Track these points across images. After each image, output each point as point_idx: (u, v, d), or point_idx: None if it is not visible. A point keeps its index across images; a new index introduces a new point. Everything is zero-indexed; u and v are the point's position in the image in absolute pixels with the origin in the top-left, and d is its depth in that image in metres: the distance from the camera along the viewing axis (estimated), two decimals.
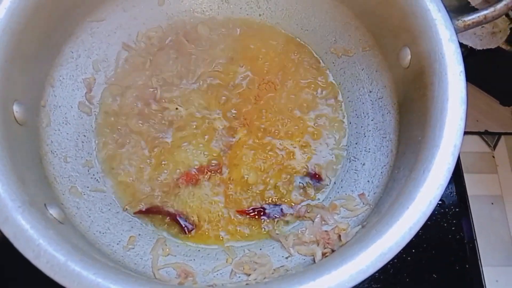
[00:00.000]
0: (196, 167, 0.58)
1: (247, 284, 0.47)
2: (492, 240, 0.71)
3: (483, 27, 0.68)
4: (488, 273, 0.65)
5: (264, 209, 0.56)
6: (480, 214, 0.73)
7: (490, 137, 0.80)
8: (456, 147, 0.44)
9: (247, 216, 0.56)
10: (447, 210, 0.63)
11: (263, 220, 0.56)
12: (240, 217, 0.56)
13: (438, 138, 0.45)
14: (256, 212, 0.56)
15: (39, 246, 0.39)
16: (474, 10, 0.66)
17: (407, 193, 0.44)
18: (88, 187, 0.55)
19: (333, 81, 0.63)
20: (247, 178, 0.57)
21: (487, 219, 0.73)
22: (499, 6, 0.50)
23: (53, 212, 0.46)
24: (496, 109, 0.81)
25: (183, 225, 0.55)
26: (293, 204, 0.57)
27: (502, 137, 0.80)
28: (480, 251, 0.63)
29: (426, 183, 0.43)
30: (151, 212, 0.56)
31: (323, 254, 0.50)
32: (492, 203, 0.75)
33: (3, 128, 0.45)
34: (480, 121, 0.81)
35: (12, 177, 0.43)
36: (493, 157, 0.79)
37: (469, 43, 0.69)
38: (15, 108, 0.49)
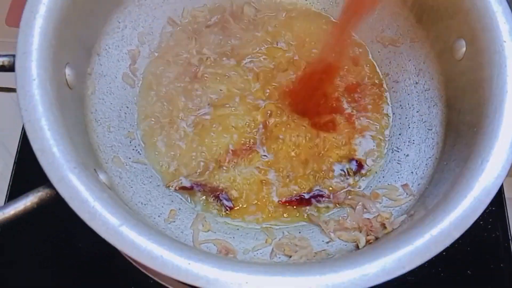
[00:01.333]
0: (236, 146, 0.57)
1: (293, 262, 0.47)
2: None
3: None
4: None
5: (304, 196, 0.56)
6: (510, 215, 0.72)
7: None
8: None
9: (290, 204, 0.55)
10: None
11: (304, 204, 0.55)
12: (282, 203, 0.55)
13: (497, 130, 0.44)
14: (297, 201, 0.55)
15: (94, 208, 0.39)
16: None
17: (464, 183, 0.43)
18: (130, 158, 0.55)
19: (378, 71, 0.63)
20: (288, 162, 0.57)
21: None
22: None
23: (102, 177, 0.46)
24: None
25: (223, 203, 0.54)
26: (333, 191, 0.56)
27: None
28: None
29: (484, 173, 0.42)
30: (191, 189, 0.55)
31: (367, 241, 0.49)
32: None
33: (57, 90, 0.44)
34: None
35: (66, 138, 0.42)
36: None
37: None
38: (67, 71, 0.48)
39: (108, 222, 0.39)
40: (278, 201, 0.55)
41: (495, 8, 0.49)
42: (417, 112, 0.59)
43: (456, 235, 0.40)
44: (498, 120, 0.45)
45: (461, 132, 0.51)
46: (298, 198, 0.55)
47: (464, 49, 0.52)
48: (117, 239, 0.38)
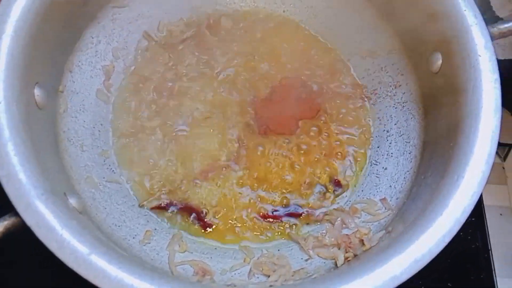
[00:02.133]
0: (212, 164, 0.56)
1: (270, 286, 0.46)
2: (501, 251, 0.71)
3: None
4: (499, 284, 0.65)
5: (283, 212, 0.55)
6: (490, 224, 0.72)
7: (501, 148, 0.80)
8: (490, 156, 0.44)
9: (267, 220, 0.54)
10: None
11: (282, 221, 0.54)
12: (259, 220, 0.54)
13: (472, 145, 0.44)
14: (275, 217, 0.55)
15: (62, 237, 0.38)
16: (499, 19, 0.67)
17: (439, 200, 0.43)
18: (104, 178, 0.53)
19: (357, 83, 0.62)
20: (265, 179, 0.56)
21: (497, 229, 0.73)
22: None
23: (73, 201, 0.44)
24: (508, 121, 0.81)
25: (200, 222, 0.53)
26: (311, 208, 0.56)
27: None
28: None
29: (459, 189, 0.42)
30: (167, 208, 0.54)
31: (345, 259, 0.49)
32: (501, 214, 0.75)
33: (25, 112, 0.43)
34: None
35: (34, 163, 0.41)
36: (503, 168, 0.79)
37: None
38: (36, 91, 0.47)
39: (76, 250, 0.38)
40: (255, 217, 0.54)
41: (470, 21, 0.49)
42: (395, 124, 0.58)
43: (432, 255, 0.40)
44: (474, 135, 0.44)
45: (438, 146, 0.50)
46: (275, 214, 0.54)
47: (440, 62, 0.52)
48: (86, 268, 0.37)
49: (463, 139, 0.45)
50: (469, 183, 0.42)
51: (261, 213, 0.55)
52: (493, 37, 0.49)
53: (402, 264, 0.39)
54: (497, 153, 0.79)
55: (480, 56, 0.47)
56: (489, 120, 0.45)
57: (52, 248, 0.37)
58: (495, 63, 0.47)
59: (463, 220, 0.41)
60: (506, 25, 0.49)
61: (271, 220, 0.54)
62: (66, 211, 0.40)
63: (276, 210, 0.55)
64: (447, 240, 0.41)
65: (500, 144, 0.78)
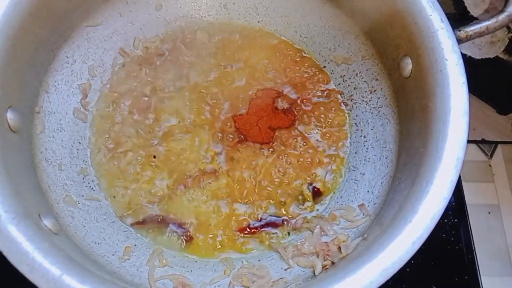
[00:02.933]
0: (191, 176, 0.57)
1: None
2: (489, 249, 0.71)
3: None
4: (486, 283, 0.65)
5: (262, 223, 0.55)
6: (477, 223, 0.72)
7: (487, 146, 0.80)
8: (459, 160, 0.44)
9: (246, 234, 0.54)
10: (445, 220, 0.62)
11: (261, 232, 0.55)
12: (239, 234, 0.54)
13: (441, 151, 0.44)
14: (255, 228, 0.55)
15: (34, 260, 0.38)
16: (473, 19, 0.67)
17: (409, 206, 0.43)
18: (83, 196, 0.54)
19: (334, 89, 0.63)
20: (244, 189, 0.56)
21: (484, 228, 0.73)
22: (501, 17, 0.50)
23: (47, 222, 0.45)
24: (493, 118, 0.81)
25: (180, 235, 0.54)
26: (291, 217, 0.56)
27: (499, 146, 0.80)
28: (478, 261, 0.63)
29: (428, 196, 0.42)
30: (147, 223, 0.55)
31: (323, 267, 0.49)
32: (489, 212, 0.75)
33: None
34: (477, 130, 0.80)
35: (6, 187, 0.42)
36: (490, 166, 0.79)
37: (468, 53, 0.69)
38: (9, 115, 0.47)
39: (48, 273, 0.38)
40: (236, 230, 0.54)
41: (436, 26, 0.49)
42: (372, 129, 0.59)
43: (402, 262, 0.40)
44: (442, 140, 0.45)
45: (411, 152, 0.51)
46: (255, 225, 0.55)
47: (410, 66, 0.52)
48: None
49: (432, 144, 0.45)
50: (438, 189, 0.43)
51: (241, 226, 0.55)
52: (460, 41, 0.49)
53: (372, 273, 0.40)
54: (483, 151, 0.79)
55: (447, 60, 0.47)
56: (457, 124, 0.45)
57: (23, 271, 0.38)
58: (462, 66, 0.47)
59: (432, 226, 0.41)
60: (472, 28, 0.50)
61: (250, 233, 0.54)
62: (38, 234, 0.41)
63: (257, 221, 0.55)
64: (417, 247, 0.41)
65: (486, 142, 0.79)
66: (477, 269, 0.61)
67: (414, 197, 0.43)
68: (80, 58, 0.59)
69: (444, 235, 0.61)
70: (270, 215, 0.56)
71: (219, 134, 0.59)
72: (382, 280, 0.39)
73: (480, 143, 0.79)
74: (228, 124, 0.59)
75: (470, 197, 0.74)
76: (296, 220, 0.55)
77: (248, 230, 0.55)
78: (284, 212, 0.56)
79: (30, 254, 0.38)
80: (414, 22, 0.50)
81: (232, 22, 0.66)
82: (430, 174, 0.43)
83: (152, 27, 0.63)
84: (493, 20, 0.50)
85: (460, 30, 0.50)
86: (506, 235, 0.73)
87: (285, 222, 0.55)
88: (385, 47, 0.57)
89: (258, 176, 0.57)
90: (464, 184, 0.73)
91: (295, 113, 0.60)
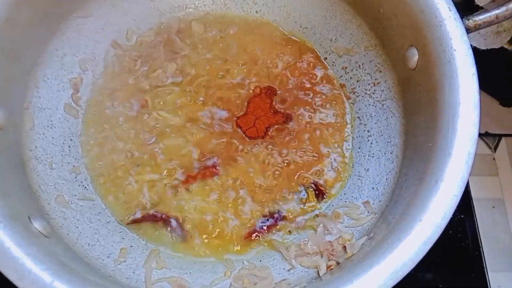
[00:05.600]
0: (189, 174, 0.54)
1: None
2: (493, 244, 0.69)
3: None
4: (492, 278, 0.63)
5: (266, 222, 0.53)
6: (482, 217, 0.71)
7: (491, 139, 0.78)
8: (470, 155, 0.42)
9: (249, 237, 0.52)
10: (452, 216, 0.60)
11: (264, 233, 0.53)
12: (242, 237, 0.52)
13: (451, 146, 0.42)
14: (258, 231, 0.53)
15: (23, 266, 0.36)
16: (478, 8, 0.65)
17: (418, 204, 0.41)
18: (75, 196, 0.52)
19: (336, 81, 0.60)
20: (244, 188, 0.54)
21: (489, 222, 0.71)
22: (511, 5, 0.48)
23: (37, 225, 0.43)
24: (497, 110, 0.79)
25: (178, 234, 0.52)
26: (293, 215, 0.54)
27: (503, 139, 0.78)
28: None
29: (439, 193, 0.40)
30: (144, 221, 0.52)
31: (328, 267, 0.47)
32: (494, 207, 0.73)
33: None
34: (480, 123, 0.78)
35: None
36: (494, 159, 0.77)
37: (473, 43, 0.66)
38: None
39: (38, 279, 0.36)
40: (237, 233, 0.52)
41: (443, 15, 0.47)
42: (375, 123, 0.56)
43: (413, 263, 0.38)
44: (452, 135, 0.43)
45: (418, 147, 0.49)
46: (257, 229, 0.53)
47: (416, 57, 0.50)
48: None
49: (441, 139, 0.43)
50: (449, 186, 0.41)
51: (242, 225, 0.53)
52: (468, 30, 0.47)
53: (381, 275, 0.38)
54: (487, 143, 0.78)
55: (455, 50, 0.45)
56: (468, 117, 0.43)
57: (12, 278, 0.36)
58: (472, 57, 0.45)
59: (444, 225, 0.39)
60: (481, 17, 0.47)
61: (253, 236, 0.52)
62: (28, 237, 0.38)
63: (260, 221, 0.53)
64: (428, 247, 0.39)
65: (490, 135, 0.78)
66: (485, 266, 0.60)
67: (424, 195, 0.41)
68: (70, 51, 0.57)
69: (450, 231, 0.60)
70: (272, 214, 0.53)
71: (217, 131, 0.56)
72: (392, 284, 0.38)
73: (484, 136, 0.77)
74: (227, 121, 0.57)
75: (474, 191, 0.72)
76: (299, 218, 0.53)
77: (250, 235, 0.52)
78: (286, 211, 0.54)
79: (19, 260, 0.36)
80: (420, 10, 0.48)
81: (229, 13, 0.63)
82: (440, 170, 0.41)
83: (146, 18, 0.61)
84: (503, 8, 0.48)
85: (468, 19, 0.48)
86: (511, 229, 0.71)
87: (287, 221, 0.53)
88: (389, 37, 0.55)
89: (259, 174, 0.55)
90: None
91: (295, 108, 0.58)
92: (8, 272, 0.36)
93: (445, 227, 0.39)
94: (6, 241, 0.37)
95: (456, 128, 0.42)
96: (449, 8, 0.47)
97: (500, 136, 0.78)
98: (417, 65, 0.50)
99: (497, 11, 0.48)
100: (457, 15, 0.47)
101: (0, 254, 0.36)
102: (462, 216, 0.61)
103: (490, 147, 0.78)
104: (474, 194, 0.71)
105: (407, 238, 0.39)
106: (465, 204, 0.62)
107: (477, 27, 0.48)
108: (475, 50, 0.68)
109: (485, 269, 0.60)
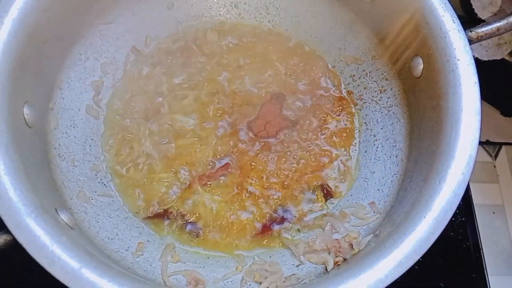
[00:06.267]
0: (203, 174, 0.57)
1: None
2: (493, 249, 0.72)
3: None
4: (493, 281, 0.66)
5: (275, 221, 0.56)
6: (482, 223, 0.73)
7: (492, 147, 0.81)
8: (471, 157, 0.44)
9: (260, 235, 0.55)
10: (453, 219, 0.62)
11: (274, 231, 0.55)
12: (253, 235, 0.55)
13: (454, 149, 0.45)
14: (268, 229, 0.55)
15: (53, 253, 0.39)
16: (480, 21, 0.68)
17: (422, 203, 0.44)
18: (96, 192, 0.54)
19: (343, 89, 0.63)
20: (256, 188, 0.57)
21: (489, 228, 0.74)
22: None
23: (64, 217, 0.45)
24: (498, 119, 0.82)
25: (192, 230, 0.54)
26: (301, 215, 0.56)
27: (503, 147, 0.80)
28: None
29: (442, 192, 0.43)
30: (160, 217, 0.55)
31: (335, 263, 0.50)
32: (494, 212, 0.76)
33: (14, 131, 0.44)
34: (481, 131, 0.81)
35: (24, 180, 0.42)
36: (494, 167, 0.79)
37: (475, 54, 0.69)
38: (26, 110, 0.48)
39: (67, 265, 0.39)
40: (249, 231, 0.55)
41: (448, 26, 0.50)
42: (381, 128, 0.59)
43: (417, 256, 0.41)
44: (455, 139, 0.45)
45: (422, 150, 0.51)
46: (267, 224, 0.55)
47: (421, 66, 0.53)
48: (77, 282, 0.38)
49: (445, 143, 0.46)
50: (451, 185, 0.43)
51: (254, 222, 0.55)
52: (471, 41, 0.50)
53: (387, 268, 0.40)
54: (488, 152, 0.80)
55: (459, 60, 0.48)
56: (470, 123, 0.46)
57: (43, 263, 0.38)
58: (474, 66, 0.48)
59: (446, 221, 0.42)
60: (483, 29, 0.50)
61: (264, 233, 0.55)
62: (56, 227, 0.41)
63: (271, 220, 0.55)
64: (431, 242, 0.41)
65: (491, 143, 0.80)
66: (485, 267, 0.62)
67: (428, 194, 0.44)
68: (93, 56, 0.60)
69: (451, 234, 0.62)
70: (282, 213, 0.56)
71: (232, 135, 0.59)
72: (397, 275, 0.40)
73: (485, 144, 0.80)
74: (240, 124, 0.59)
75: (475, 198, 0.74)
76: (308, 218, 0.56)
77: (261, 233, 0.55)
78: (296, 210, 0.56)
79: (49, 247, 0.39)
80: (426, 22, 0.51)
81: (243, 22, 0.66)
82: (443, 171, 0.44)
83: (164, 26, 0.64)
84: (504, 21, 0.51)
85: (471, 31, 0.51)
86: (511, 234, 0.74)
87: (296, 220, 0.56)
88: (395, 47, 0.58)
89: (270, 175, 0.57)
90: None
91: (304, 113, 0.61)
92: (40, 258, 0.38)
93: (446, 223, 0.42)
94: (38, 230, 0.39)
95: (459, 133, 0.45)
96: (453, 20, 0.50)
97: (500, 144, 0.80)
98: (422, 74, 0.53)
99: (498, 24, 0.51)
100: (461, 27, 0.50)
101: (32, 241, 0.39)
102: (463, 219, 0.63)
103: (490, 155, 0.80)
104: (475, 200, 0.74)
105: (412, 234, 0.42)
106: (467, 209, 0.65)
107: (480, 39, 0.51)
108: (477, 61, 0.70)
109: (486, 273, 0.62)
